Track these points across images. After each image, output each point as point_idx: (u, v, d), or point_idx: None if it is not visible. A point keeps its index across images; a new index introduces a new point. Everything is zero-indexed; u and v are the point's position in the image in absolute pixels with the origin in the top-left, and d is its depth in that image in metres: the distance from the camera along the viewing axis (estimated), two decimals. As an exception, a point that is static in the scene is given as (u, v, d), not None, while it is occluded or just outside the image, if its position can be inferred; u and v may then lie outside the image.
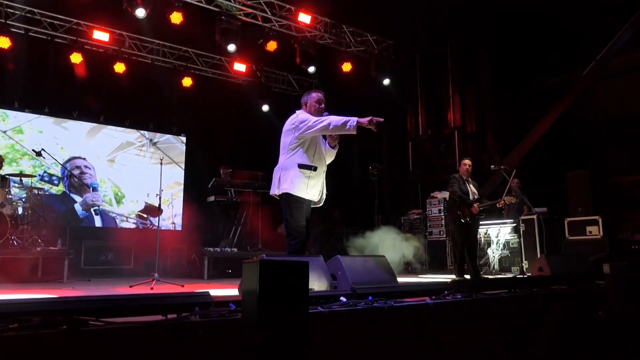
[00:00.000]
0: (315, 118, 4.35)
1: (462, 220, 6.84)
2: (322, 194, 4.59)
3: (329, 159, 4.69)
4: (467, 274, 6.95)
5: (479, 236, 7.94)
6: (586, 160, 9.47)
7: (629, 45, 9.14)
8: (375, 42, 11.22)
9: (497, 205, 6.99)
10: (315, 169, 4.44)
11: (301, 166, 4.39)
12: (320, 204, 4.62)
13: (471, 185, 7.06)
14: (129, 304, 2.54)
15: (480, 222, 7.36)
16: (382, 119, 4.13)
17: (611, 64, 9.38)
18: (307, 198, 4.44)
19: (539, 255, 7.75)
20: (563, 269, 5.08)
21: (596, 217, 8.00)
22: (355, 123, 4.13)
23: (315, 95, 4.59)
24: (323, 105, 4.56)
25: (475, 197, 6.96)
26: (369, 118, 4.11)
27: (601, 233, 7.92)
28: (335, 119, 4.24)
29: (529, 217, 8.34)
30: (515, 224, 8.38)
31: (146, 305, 2.53)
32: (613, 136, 10.20)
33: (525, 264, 7.73)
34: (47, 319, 2.02)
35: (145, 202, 10.75)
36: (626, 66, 9.83)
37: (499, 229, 8.56)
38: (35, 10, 9.40)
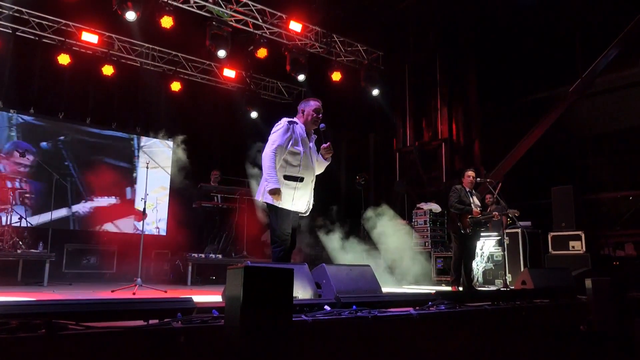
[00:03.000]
0: (272, 150, 4.24)
1: (462, 232, 6.88)
2: (310, 204, 4.51)
3: (319, 170, 4.59)
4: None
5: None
6: (570, 176, 9.60)
7: (614, 63, 9.31)
8: (365, 53, 11.29)
9: (495, 218, 7.06)
10: (301, 179, 4.34)
11: (287, 177, 4.29)
12: (307, 214, 4.56)
13: (474, 197, 7.09)
14: (110, 308, 2.52)
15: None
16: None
17: (597, 82, 9.55)
18: (293, 210, 4.37)
19: (522, 269, 7.81)
20: (546, 282, 5.13)
21: (579, 232, 8.09)
22: (269, 188, 4.17)
23: (314, 104, 4.50)
24: (321, 116, 4.49)
25: (479, 208, 6.99)
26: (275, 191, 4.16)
27: (584, 248, 8.00)
28: (269, 174, 4.19)
29: (513, 231, 8.40)
30: (499, 237, 8.43)
31: (128, 310, 2.51)
32: (597, 152, 10.36)
33: (508, 277, 7.77)
34: (25, 323, 1.99)
35: (130, 206, 10.64)
36: (611, 84, 10.01)
37: (484, 242, 8.60)
38: (24, 9, 9.31)
